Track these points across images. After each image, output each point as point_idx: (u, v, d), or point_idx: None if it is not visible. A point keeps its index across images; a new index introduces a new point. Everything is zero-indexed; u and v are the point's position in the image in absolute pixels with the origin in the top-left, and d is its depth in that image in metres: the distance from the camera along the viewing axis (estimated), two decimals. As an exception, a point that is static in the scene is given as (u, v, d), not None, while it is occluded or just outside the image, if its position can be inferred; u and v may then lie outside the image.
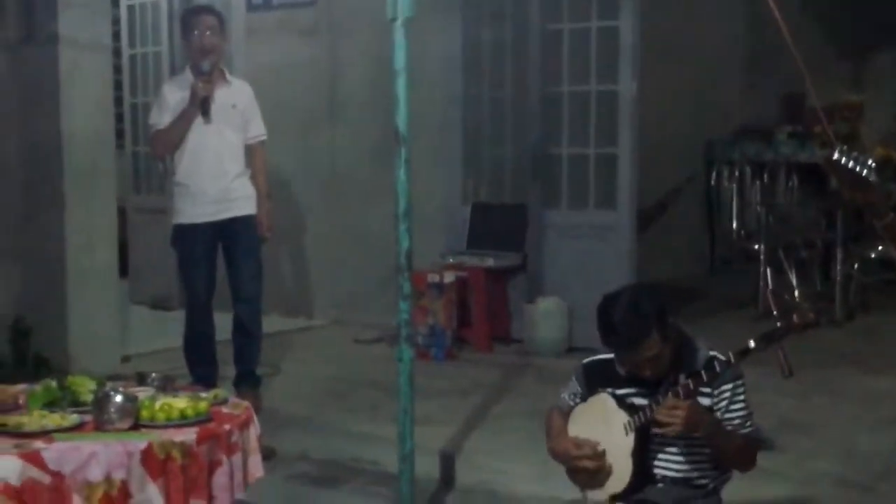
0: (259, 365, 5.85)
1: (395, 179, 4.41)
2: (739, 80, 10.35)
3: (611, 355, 3.61)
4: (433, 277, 6.98)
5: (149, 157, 8.54)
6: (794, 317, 3.40)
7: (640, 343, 3.38)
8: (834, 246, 8.52)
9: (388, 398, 6.01)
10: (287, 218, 7.46)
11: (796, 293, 7.99)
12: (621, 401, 3.54)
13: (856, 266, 8.15)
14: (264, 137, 5.85)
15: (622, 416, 3.51)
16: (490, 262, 7.20)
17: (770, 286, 8.00)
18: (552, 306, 7.04)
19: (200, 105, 5.42)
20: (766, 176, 8.97)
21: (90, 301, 6.26)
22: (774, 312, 7.70)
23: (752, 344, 3.36)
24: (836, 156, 2.92)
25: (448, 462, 5.01)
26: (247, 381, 5.69)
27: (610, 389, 3.57)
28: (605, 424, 3.56)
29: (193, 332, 5.69)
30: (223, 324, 5.93)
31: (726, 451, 3.46)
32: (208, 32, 5.54)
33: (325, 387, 6.33)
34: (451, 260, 7.28)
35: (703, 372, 3.38)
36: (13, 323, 5.99)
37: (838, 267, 8.23)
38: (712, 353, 3.46)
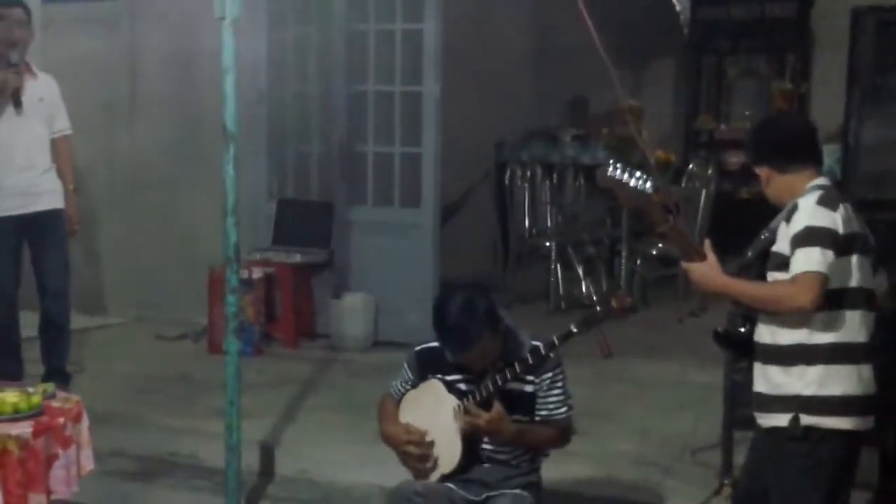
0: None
1: (223, 175, 4.49)
2: (528, 83, 10.78)
3: (440, 343, 3.81)
4: (241, 273, 6.98)
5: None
6: (613, 302, 3.69)
7: (473, 343, 3.61)
8: (618, 243, 9.04)
9: (200, 392, 6.07)
10: (84, 213, 7.32)
11: (584, 288, 8.43)
12: (451, 386, 3.75)
13: (638, 262, 8.65)
14: (70, 132, 5.80)
15: (452, 401, 3.72)
16: (297, 258, 7.29)
17: (560, 282, 8.42)
18: (358, 301, 7.20)
19: (12, 96, 5.31)
20: (554, 176, 9.37)
21: None
22: (563, 305, 8.16)
23: (573, 328, 3.63)
24: (610, 171, 3.20)
25: (268, 453, 5.10)
26: (56, 378, 5.56)
27: (440, 375, 3.77)
28: (435, 408, 3.76)
29: (-1, 325, 5.57)
30: (27, 322, 5.83)
31: (535, 446, 3.75)
32: (16, 25, 5.45)
33: (132, 383, 6.28)
34: (257, 256, 7.33)
35: (522, 362, 3.63)
36: None
37: (622, 263, 8.72)
38: (535, 342, 3.70)
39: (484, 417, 3.57)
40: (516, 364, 3.62)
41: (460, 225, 9.49)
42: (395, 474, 4.03)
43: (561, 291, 8.34)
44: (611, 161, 3.22)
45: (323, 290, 7.48)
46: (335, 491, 4.84)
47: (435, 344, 3.82)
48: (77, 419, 3.78)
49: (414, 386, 3.86)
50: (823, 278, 3.11)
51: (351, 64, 7.33)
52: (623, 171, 3.19)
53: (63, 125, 5.72)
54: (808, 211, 3.19)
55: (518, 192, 9.25)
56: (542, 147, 9.91)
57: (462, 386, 3.72)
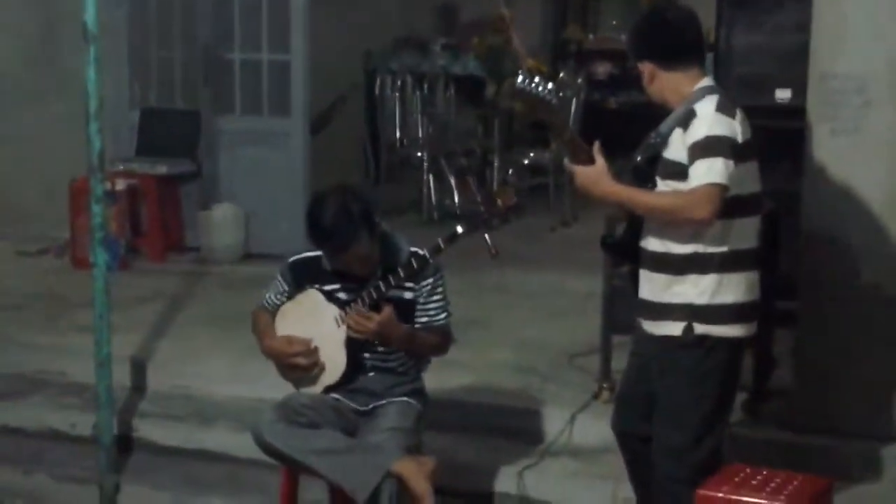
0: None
1: (84, 78, 4.26)
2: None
3: (317, 253, 3.71)
4: (104, 185, 6.71)
5: None
6: (499, 200, 3.65)
7: (350, 244, 3.52)
8: (490, 153, 9.01)
9: (66, 308, 5.86)
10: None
11: (456, 198, 8.40)
12: (330, 296, 3.66)
13: (510, 172, 8.65)
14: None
15: (332, 310, 3.64)
16: (162, 169, 7.04)
17: (433, 192, 8.37)
18: (227, 213, 7.01)
19: None
20: (425, 86, 9.25)
21: None
22: (435, 216, 8.11)
23: (459, 229, 3.56)
24: (520, 83, 3.16)
25: (139, 368, 4.96)
26: None
27: (318, 285, 3.68)
28: (314, 318, 3.67)
29: None
30: None
31: (419, 353, 3.70)
32: None
33: (-6, 301, 6.03)
34: (120, 167, 7.05)
35: (405, 267, 3.56)
36: None
37: (494, 173, 8.71)
38: (413, 249, 3.63)
39: (375, 319, 3.49)
40: (399, 269, 3.54)
41: (329, 136, 9.30)
42: (270, 387, 3.97)
43: (434, 202, 8.29)
44: (520, 73, 3.18)
45: (190, 202, 7.26)
46: (209, 405, 4.73)
47: (310, 254, 3.74)
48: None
49: (289, 297, 3.76)
50: (724, 190, 3.04)
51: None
52: (532, 83, 3.15)
53: None
54: (708, 119, 3.09)
55: (388, 103, 9.12)
56: (412, 56, 9.76)
57: (341, 295, 3.64)
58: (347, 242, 3.51)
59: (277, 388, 3.79)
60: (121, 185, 6.88)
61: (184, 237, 7.29)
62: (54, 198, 7.07)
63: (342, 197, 3.56)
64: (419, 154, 8.63)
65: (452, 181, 8.54)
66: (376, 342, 3.60)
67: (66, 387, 4.88)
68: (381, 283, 3.55)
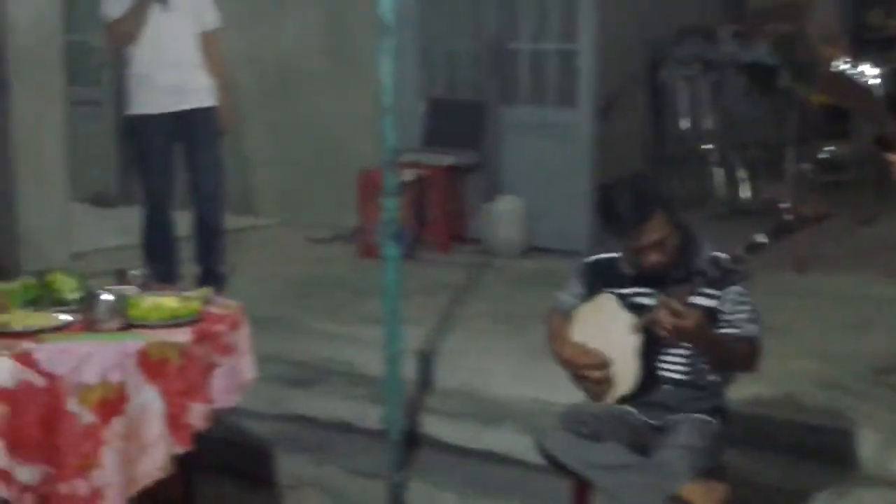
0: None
1: (378, 72, 4.23)
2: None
3: (613, 254, 3.53)
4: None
5: (84, 46, 8.18)
6: (808, 210, 3.35)
7: (646, 222, 3.29)
8: (783, 145, 8.54)
9: (354, 297, 5.93)
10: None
11: (747, 192, 8.03)
12: (625, 300, 3.46)
13: (806, 166, 8.16)
14: (218, 25, 5.62)
15: (627, 317, 3.43)
16: (449, 160, 7.04)
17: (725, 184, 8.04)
18: (511, 205, 6.94)
19: (158, -10, 5.17)
20: (714, 75, 8.88)
21: (38, 196, 5.97)
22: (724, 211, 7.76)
23: (761, 239, 3.28)
24: (840, 66, 2.86)
25: (426, 363, 4.93)
26: (211, 281, 5.51)
27: (613, 289, 3.49)
28: (609, 325, 3.48)
29: (153, 226, 5.50)
30: (180, 222, 5.73)
31: (726, 364, 3.43)
32: None
33: (285, 287, 6.18)
34: (409, 158, 7.09)
35: (704, 273, 3.31)
36: (-43, 220, 5.70)
37: (788, 167, 8.24)
38: (713, 253, 3.38)
39: (693, 316, 3.18)
40: (698, 276, 3.30)
41: (610, 126, 9.11)
42: (557, 389, 3.83)
43: (723, 196, 7.93)
44: (841, 59, 2.90)
45: (474, 193, 7.24)
46: (496, 405, 4.64)
47: (607, 255, 3.56)
48: (236, 326, 3.63)
49: (583, 299, 3.59)
50: None
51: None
52: (853, 67, 2.85)
53: (211, 19, 5.54)
54: None
55: (675, 93, 8.81)
56: (698, 45, 9.38)
57: (638, 300, 3.43)
58: (641, 218, 3.28)
59: (567, 393, 3.63)
60: (409, 175, 6.91)
61: (466, 228, 7.29)
62: (344, 186, 7.21)
63: (635, 178, 3.43)
64: (708, 146, 8.29)
65: (744, 175, 8.17)
66: (678, 348, 3.37)
67: (354, 377, 4.91)
68: (684, 286, 3.31)
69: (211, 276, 5.55)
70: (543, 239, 6.91)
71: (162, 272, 5.36)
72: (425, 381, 4.85)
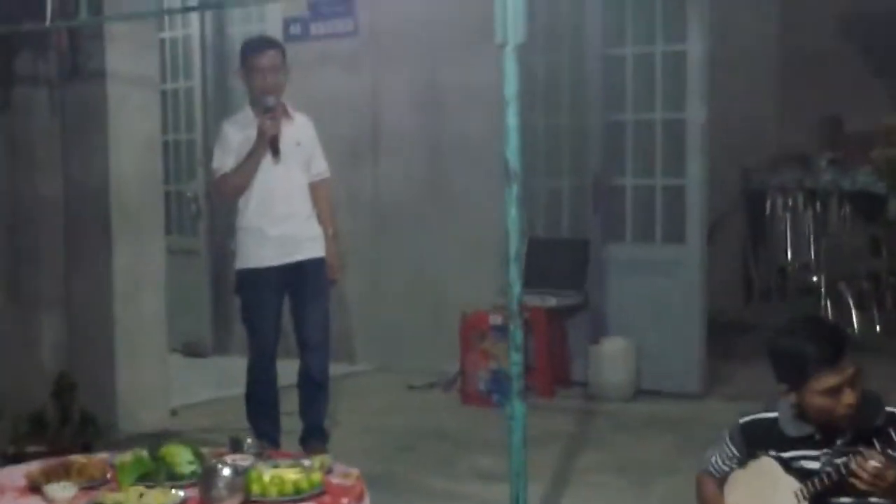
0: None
1: (505, 218, 4.04)
2: (773, 104, 10.00)
3: (772, 414, 3.24)
4: (495, 319, 6.57)
5: (181, 196, 8.18)
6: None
7: (843, 357, 3.02)
8: (891, 276, 8.21)
9: (459, 451, 5.66)
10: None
11: (856, 325, 7.69)
12: (788, 465, 3.15)
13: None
14: (327, 174, 5.50)
15: (791, 483, 3.12)
16: (552, 301, 6.80)
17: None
18: (618, 347, 6.66)
19: (270, 144, 5.05)
20: (815, 205, 8.63)
21: (137, 351, 5.84)
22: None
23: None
24: None
25: (549, 523, 4.62)
26: (315, 436, 5.30)
27: (773, 452, 3.19)
28: (770, 492, 3.16)
29: (257, 383, 5.29)
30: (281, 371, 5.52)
31: None
32: (270, 71, 5.17)
33: (388, 439, 5.92)
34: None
35: (882, 434, 3.01)
36: (57, 377, 5.54)
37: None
38: (889, 409, 3.08)
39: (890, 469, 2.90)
40: (883, 434, 2.99)
41: (710, 258, 8.84)
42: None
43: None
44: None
45: (577, 334, 6.98)
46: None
47: (764, 415, 3.26)
48: (360, 498, 3.38)
49: (740, 464, 3.29)
50: None
51: (607, 91, 6.85)
52: None
53: (321, 168, 5.43)
54: None
55: (777, 222, 8.57)
56: (794, 172, 9.16)
57: (802, 464, 3.12)
58: (839, 352, 3.00)
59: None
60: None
61: (571, 371, 7.01)
62: (443, 329, 7.00)
63: (812, 318, 3.30)
64: (814, 277, 7.99)
65: (852, 306, 7.84)
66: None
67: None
68: (859, 451, 3.00)
69: (315, 432, 5.32)
70: (652, 381, 6.62)
71: (265, 429, 5.18)
72: (551, 545, 4.53)
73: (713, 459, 3.37)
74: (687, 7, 6.54)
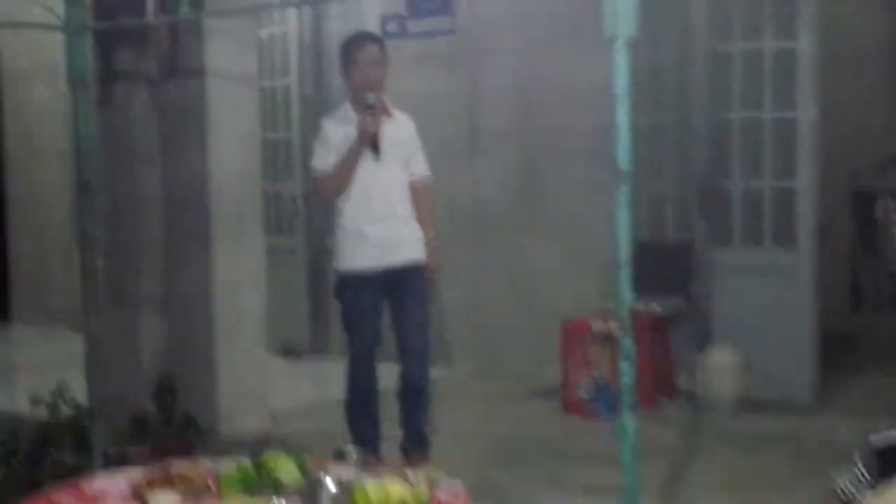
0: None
1: (614, 221, 3.84)
2: (883, 104, 9.64)
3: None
4: (598, 326, 6.39)
5: (279, 196, 8.13)
6: None
7: None
8: None
9: (564, 462, 5.48)
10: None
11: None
12: (927, 491, 2.94)
13: None
14: (428, 174, 5.36)
15: (931, 509, 2.92)
16: (656, 307, 6.58)
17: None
18: (726, 357, 6.41)
19: (370, 142, 4.93)
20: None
21: (239, 353, 5.77)
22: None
23: None
24: None
25: (660, 542, 4.43)
26: (416, 445, 5.18)
27: (910, 476, 2.99)
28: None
29: (357, 388, 5.18)
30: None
31: None
32: (370, 65, 5.06)
33: (488, 448, 5.76)
34: (612, 305, 6.67)
35: None
36: (158, 378, 5.50)
37: None
38: None
39: None
40: None
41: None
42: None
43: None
44: None
45: (682, 342, 6.75)
46: None
47: (897, 433, 3.06)
48: (467, 515, 3.24)
49: (872, 487, 3.08)
50: None
51: (713, 89, 6.62)
52: None
53: (421, 168, 5.30)
54: None
55: (888, 226, 8.24)
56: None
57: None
58: None
59: None
60: (613, 325, 6.48)
61: (674, 381, 6.78)
62: (541, 336, 6.83)
63: None
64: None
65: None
66: None
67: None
68: None
69: (415, 441, 5.19)
70: (762, 391, 6.36)
71: (364, 434, 5.07)
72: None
73: (841, 481, 3.17)
74: (797, 4, 6.30)
